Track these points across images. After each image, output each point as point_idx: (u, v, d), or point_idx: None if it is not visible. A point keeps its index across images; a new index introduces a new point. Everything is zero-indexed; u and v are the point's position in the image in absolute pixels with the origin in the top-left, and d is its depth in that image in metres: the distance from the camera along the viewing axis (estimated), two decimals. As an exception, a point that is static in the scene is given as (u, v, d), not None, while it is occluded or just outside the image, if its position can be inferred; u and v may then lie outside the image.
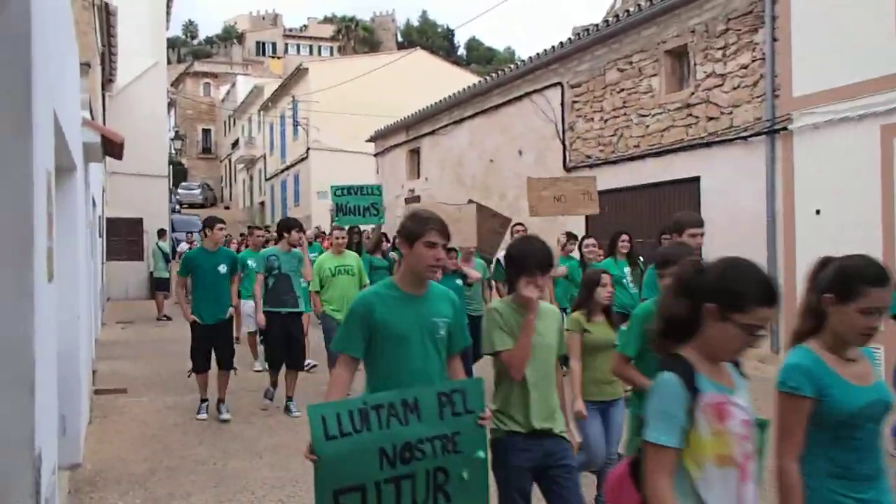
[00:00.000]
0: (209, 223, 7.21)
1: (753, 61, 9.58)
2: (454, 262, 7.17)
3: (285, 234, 7.35)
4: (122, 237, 18.73)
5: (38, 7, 2.78)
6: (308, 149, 28.60)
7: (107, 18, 14.30)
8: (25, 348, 2.61)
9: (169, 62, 27.42)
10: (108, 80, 17.20)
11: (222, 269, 7.00)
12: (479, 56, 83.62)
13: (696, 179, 10.41)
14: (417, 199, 19.55)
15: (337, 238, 7.87)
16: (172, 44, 61.21)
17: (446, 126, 18.05)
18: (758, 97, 9.53)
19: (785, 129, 9.10)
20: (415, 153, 20.16)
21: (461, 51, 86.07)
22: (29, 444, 2.62)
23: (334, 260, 7.72)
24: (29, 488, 2.60)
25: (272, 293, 7.23)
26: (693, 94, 10.52)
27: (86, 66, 9.10)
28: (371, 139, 22.57)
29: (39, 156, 2.86)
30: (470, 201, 9.17)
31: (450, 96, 17.60)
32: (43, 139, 3.05)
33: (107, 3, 13.61)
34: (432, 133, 18.83)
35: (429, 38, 79.57)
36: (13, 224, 2.59)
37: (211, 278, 6.91)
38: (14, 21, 2.59)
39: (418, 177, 19.77)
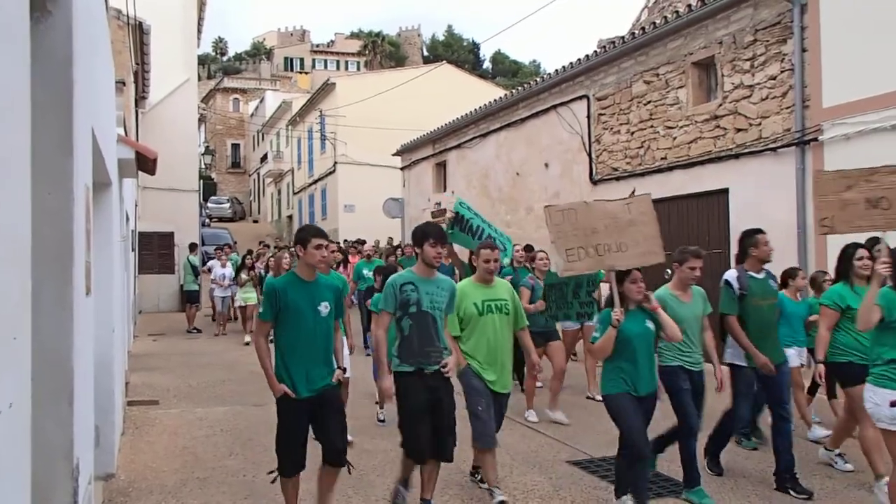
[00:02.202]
0: (303, 237, 4.46)
1: (782, 72, 9.51)
2: (640, 288, 4.76)
3: (418, 251, 4.76)
4: (154, 251, 19.04)
5: (79, 30, 2.87)
6: (335, 163, 28.87)
7: (140, 37, 14.64)
8: (66, 361, 2.69)
9: (199, 78, 27.91)
10: (140, 97, 17.57)
11: (324, 308, 4.43)
12: (504, 69, 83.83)
13: (725, 191, 10.33)
14: (444, 212, 19.62)
15: (487, 260, 5.11)
16: (203, 60, 62.19)
17: (472, 139, 18.11)
18: (787, 108, 9.45)
19: (815, 140, 9.01)
20: (441, 166, 20.25)
21: (486, 64, 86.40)
22: (68, 455, 2.69)
23: (481, 290, 5.15)
24: (68, 497, 2.67)
25: (408, 343, 4.63)
26: (721, 105, 10.46)
27: (120, 84, 9.32)
28: (398, 153, 22.73)
29: (80, 172, 2.95)
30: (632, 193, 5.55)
31: (476, 110, 17.68)
32: (83, 156, 3.14)
33: (140, 23, 13.93)
34: (458, 146, 18.91)
35: (454, 51, 79.99)
36: (55, 238, 2.67)
37: (309, 323, 4.36)
38: (58, 44, 2.69)
39: (444, 190, 19.83)
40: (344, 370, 4.77)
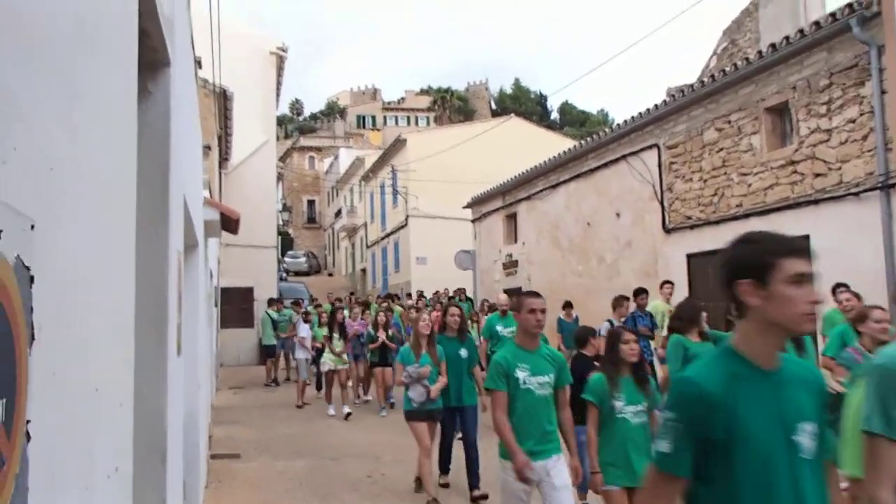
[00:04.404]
0: (766, 261, 1.99)
1: (861, 115, 9.25)
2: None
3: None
4: (235, 305, 19.64)
5: (176, 104, 3.09)
6: (407, 216, 29.36)
7: (224, 103, 15.45)
8: (159, 419, 2.81)
9: (277, 138, 29.07)
10: (223, 159, 18.41)
11: (806, 439, 1.93)
12: (572, 119, 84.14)
13: (806, 238, 9.99)
14: (515, 263, 19.60)
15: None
16: (280, 121, 64.79)
17: (542, 191, 18.17)
18: (868, 151, 9.15)
19: (901, 183, 8.68)
20: (511, 218, 20.33)
21: (554, 115, 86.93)
22: (161, 510, 2.79)
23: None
24: (160, 552, 2.76)
25: None
26: (797, 150, 10.22)
27: (206, 149, 9.82)
28: (468, 205, 22.97)
29: (173, 239, 3.13)
30: None
31: (545, 161, 17.77)
32: (176, 224, 3.33)
33: (224, 90, 14.70)
34: (528, 198, 18.99)
35: (522, 104, 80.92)
36: (152, 303, 2.83)
37: (783, 476, 1.87)
38: (157, 121, 2.90)
39: (515, 241, 19.87)
40: None
